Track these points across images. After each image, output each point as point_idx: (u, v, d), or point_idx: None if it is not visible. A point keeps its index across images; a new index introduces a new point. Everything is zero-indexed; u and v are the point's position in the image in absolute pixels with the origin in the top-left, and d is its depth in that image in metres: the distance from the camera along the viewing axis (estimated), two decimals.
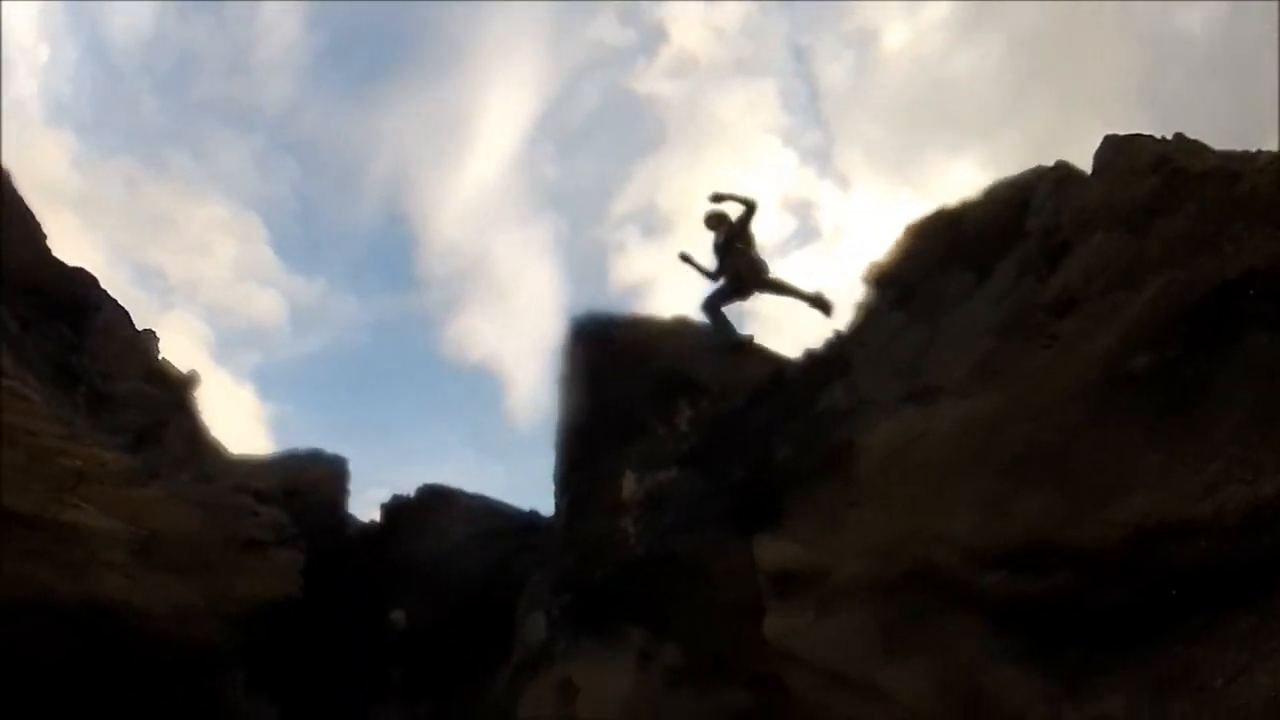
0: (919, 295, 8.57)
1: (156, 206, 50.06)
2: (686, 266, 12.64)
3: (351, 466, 13.82)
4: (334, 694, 11.44)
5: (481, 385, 59.38)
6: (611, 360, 12.17)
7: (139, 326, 13.38)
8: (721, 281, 12.40)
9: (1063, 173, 7.93)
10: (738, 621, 8.68)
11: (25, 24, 45.24)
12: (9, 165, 11.92)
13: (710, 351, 11.86)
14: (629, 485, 10.81)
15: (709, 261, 12.59)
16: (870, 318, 9.29)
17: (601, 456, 11.45)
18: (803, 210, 60.17)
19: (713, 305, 12.29)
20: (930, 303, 8.34)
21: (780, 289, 12.44)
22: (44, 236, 12.02)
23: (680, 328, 12.42)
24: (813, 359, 10.09)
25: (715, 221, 12.50)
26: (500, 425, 55.21)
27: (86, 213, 47.63)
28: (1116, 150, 7.30)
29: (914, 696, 6.77)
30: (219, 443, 13.20)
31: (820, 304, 12.03)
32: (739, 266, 12.20)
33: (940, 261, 8.63)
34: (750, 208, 12.19)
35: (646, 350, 11.59)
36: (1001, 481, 6.62)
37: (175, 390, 13.12)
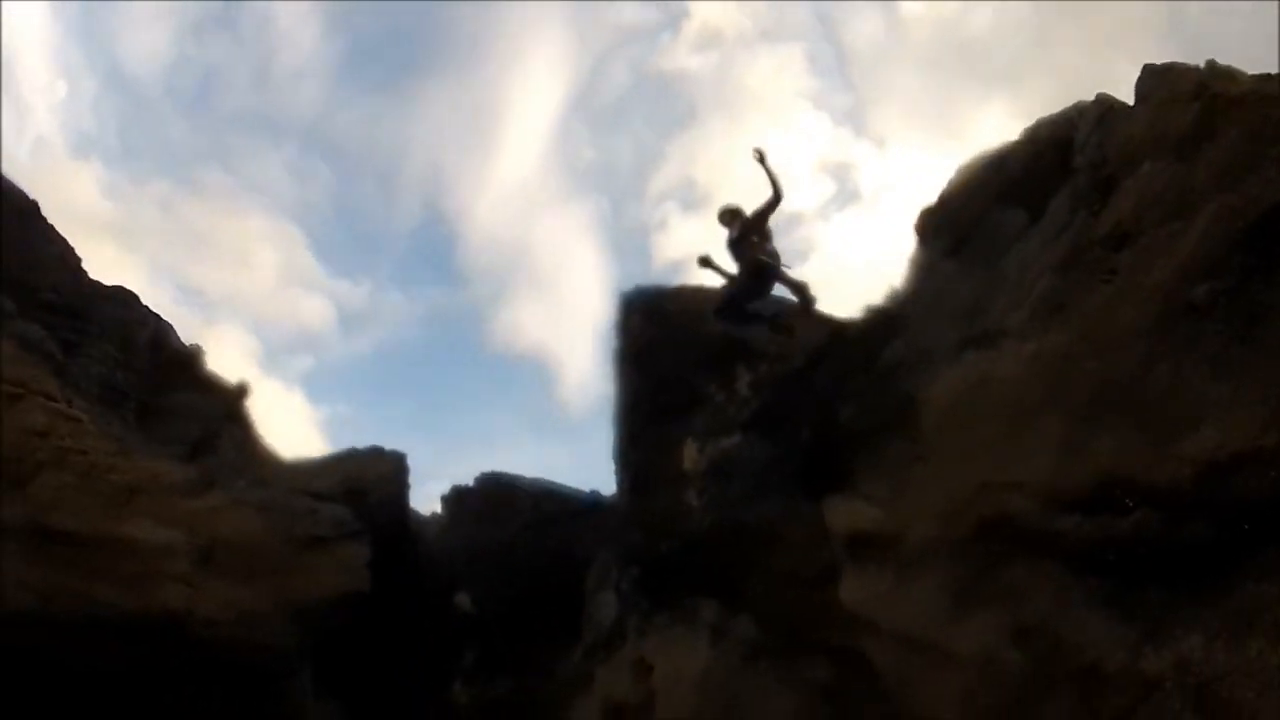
0: (972, 240, 8.37)
1: (193, 225, 50.76)
2: (708, 271, 11.49)
3: (410, 461, 13.45)
4: (402, 686, 11.28)
5: (533, 372, 59.84)
6: (665, 332, 12.05)
7: (185, 343, 13.32)
8: (736, 281, 11.32)
9: (1105, 106, 7.63)
10: (811, 591, 8.48)
11: (39, 62, 45.92)
12: (37, 199, 12.04)
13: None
14: (691, 455, 10.56)
15: (726, 261, 11.48)
16: (925, 268, 9.09)
17: (660, 429, 11.21)
18: (841, 173, 59.29)
19: (729, 310, 11.23)
20: (984, 246, 8.13)
21: (793, 286, 11.32)
22: (79, 260, 12.05)
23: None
24: (871, 315, 9.85)
25: (729, 217, 11.49)
26: (555, 410, 55.52)
27: (123, 239, 48.48)
28: (1157, 79, 7.00)
29: (990, 652, 6.54)
30: (274, 450, 13.12)
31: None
32: (756, 260, 11.12)
33: (990, 204, 8.42)
34: (773, 199, 11.05)
35: (699, 319, 11.25)
36: (1072, 422, 6.41)
37: (226, 400, 13.04)
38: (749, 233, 11.15)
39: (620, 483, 12.24)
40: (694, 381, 11.38)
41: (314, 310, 55.18)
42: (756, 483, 9.72)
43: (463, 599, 12.59)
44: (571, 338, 56.59)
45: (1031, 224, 7.54)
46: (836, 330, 10.52)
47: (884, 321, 9.36)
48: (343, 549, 10.50)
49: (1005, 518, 6.78)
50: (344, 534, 10.77)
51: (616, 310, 13.08)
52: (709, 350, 11.42)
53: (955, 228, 8.72)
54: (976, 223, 8.36)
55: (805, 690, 8.28)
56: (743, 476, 9.91)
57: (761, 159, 10.92)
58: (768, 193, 10.94)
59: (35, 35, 42.93)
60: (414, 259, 60.40)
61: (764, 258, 11.02)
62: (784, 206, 11.14)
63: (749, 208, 11.14)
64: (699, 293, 12.07)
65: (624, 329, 12.91)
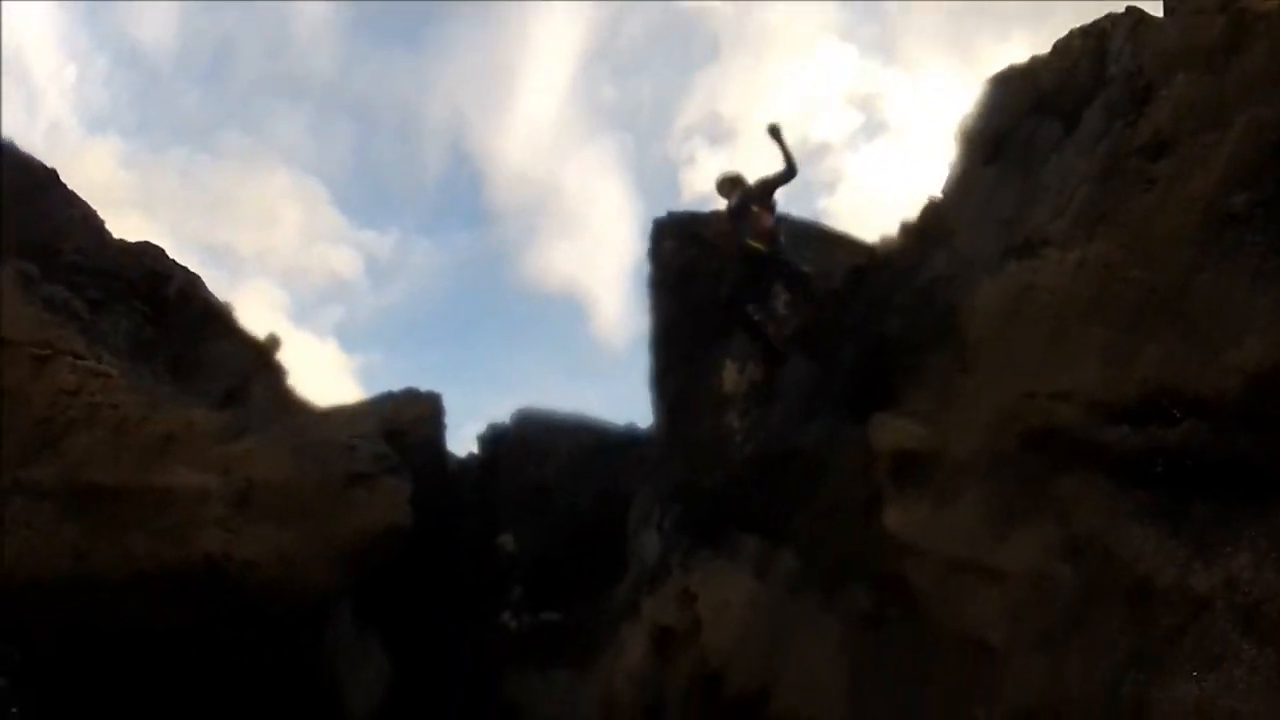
0: (1008, 152, 8.14)
1: (215, 189, 50.87)
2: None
3: (445, 404, 13.34)
4: (445, 623, 11.28)
5: (565, 310, 60.12)
6: (700, 256, 12.01)
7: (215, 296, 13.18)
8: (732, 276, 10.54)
9: (1136, 17, 7.44)
10: (855, 522, 8.28)
11: (45, 51, 45.69)
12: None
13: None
14: (730, 377, 10.45)
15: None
16: (963, 178, 8.80)
17: (697, 354, 11.15)
18: (868, 104, 57.99)
19: (735, 306, 10.43)
20: (1020, 158, 7.91)
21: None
22: (101, 222, 12.00)
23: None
24: (910, 228, 9.60)
25: (728, 187, 10.59)
26: (588, 347, 55.65)
27: (146, 208, 48.73)
28: None
29: (1038, 568, 6.38)
30: (307, 399, 13.07)
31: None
32: (746, 247, 10.11)
33: (1024, 116, 8.15)
34: (785, 174, 10.14)
35: (733, 241, 10.80)
36: (1117, 331, 6.25)
37: (258, 350, 13.03)
38: (750, 202, 10.28)
39: (658, 412, 12.15)
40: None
41: (342, 262, 55.48)
42: (800, 403, 9.59)
43: (506, 540, 12.53)
44: (602, 274, 56.69)
45: (1066, 135, 7.34)
46: (876, 246, 10.33)
47: (923, 235, 9.15)
48: (383, 484, 10.37)
49: (1051, 429, 6.62)
50: (384, 469, 10.66)
51: (650, 237, 13.12)
52: (744, 271, 10.99)
53: (991, 140, 8.47)
54: (1011, 135, 8.14)
55: (847, 619, 8.14)
56: (785, 398, 9.77)
57: (776, 133, 10.16)
58: (779, 166, 10.15)
59: (39, 26, 42.69)
60: (440, 205, 60.49)
61: (753, 243, 10.07)
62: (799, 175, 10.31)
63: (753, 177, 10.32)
64: None
65: (657, 255, 12.94)
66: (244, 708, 8.73)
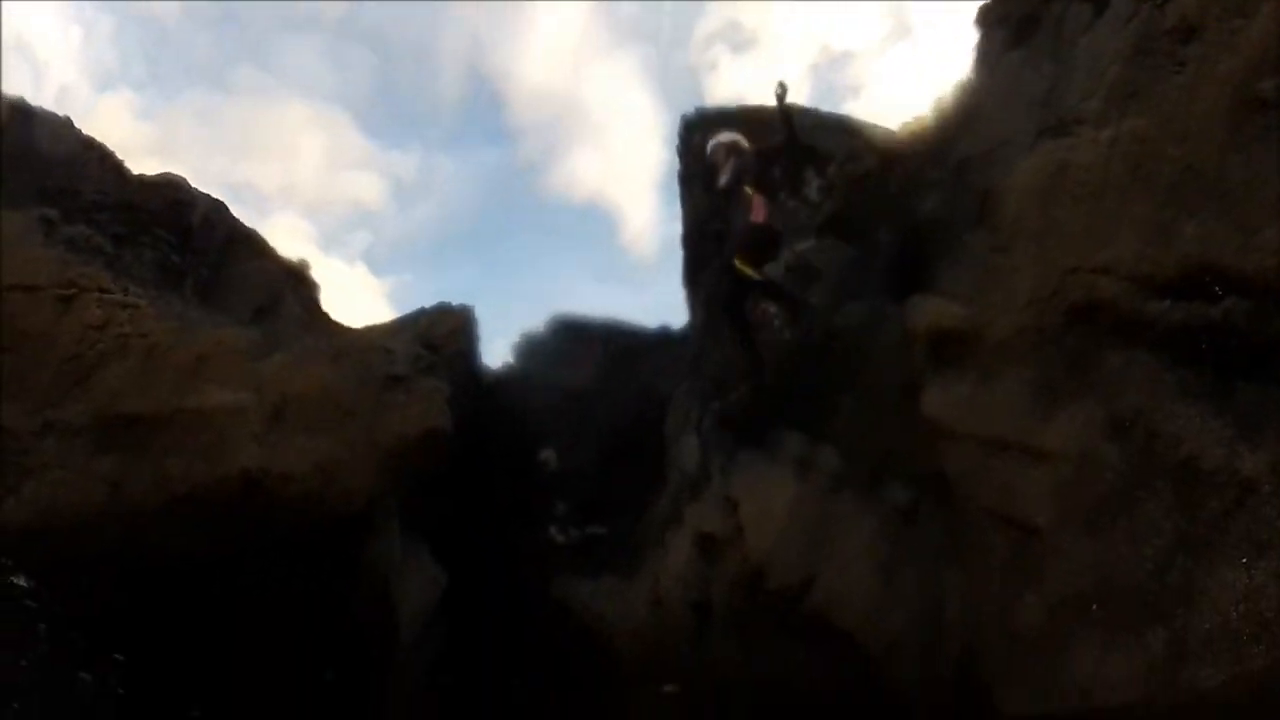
0: (1036, 32, 7.91)
1: (233, 127, 50.29)
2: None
3: (478, 319, 13.12)
4: (490, 540, 11.30)
5: (593, 220, 59.51)
6: None
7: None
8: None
9: None
10: (895, 409, 8.16)
11: (48, 20, 45.03)
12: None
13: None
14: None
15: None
16: (990, 61, 8.59)
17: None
18: (894, 10, 55.53)
19: (730, 306, 9.05)
20: (1049, 39, 7.70)
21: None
22: (120, 161, 11.94)
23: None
24: (941, 110, 9.39)
25: (723, 154, 9.06)
26: (618, 256, 55.43)
27: (165, 155, 48.45)
28: None
29: (1083, 447, 6.24)
30: (339, 319, 12.93)
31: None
32: (742, 227, 8.66)
33: None
34: (788, 146, 8.87)
35: (765, 132, 10.21)
36: (1155, 207, 6.15)
37: (288, 268, 12.93)
38: (744, 179, 8.86)
39: (693, 308, 12.06)
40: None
41: (367, 186, 55.32)
42: (837, 286, 9.45)
43: (548, 455, 12.44)
44: (629, 185, 56.28)
45: (1097, 15, 7.08)
46: (908, 126, 10.07)
47: (955, 116, 8.94)
48: (421, 386, 10.28)
49: (1094, 304, 6.49)
50: (421, 369, 10.60)
51: (678, 134, 12.93)
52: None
53: (1017, 23, 8.22)
54: (1039, 18, 7.90)
55: (889, 515, 8.05)
56: (823, 280, 9.62)
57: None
58: (782, 137, 8.93)
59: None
60: (462, 124, 59.90)
61: (741, 266, 8.52)
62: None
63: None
64: (760, 110, 11.28)
65: (687, 150, 12.72)
66: (296, 627, 8.78)
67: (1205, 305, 5.77)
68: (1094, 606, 5.85)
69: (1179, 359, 5.91)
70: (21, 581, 7.92)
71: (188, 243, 11.77)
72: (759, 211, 8.61)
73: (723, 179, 8.99)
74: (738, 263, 8.54)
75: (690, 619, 9.35)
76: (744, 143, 9.17)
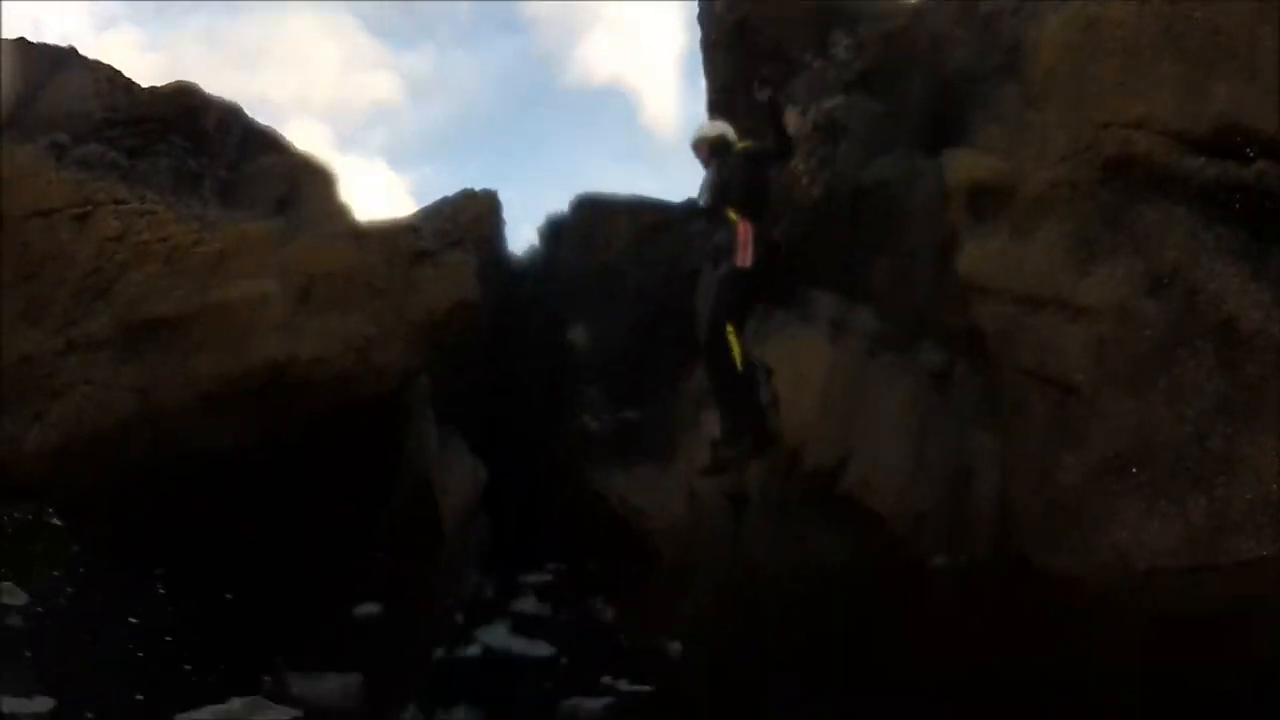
0: None
1: (244, 43, 49.35)
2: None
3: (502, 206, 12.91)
4: (523, 428, 11.29)
5: (614, 104, 58.77)
6: (755, 8, 11.42)
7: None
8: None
9: None
10: (930, 266, 8.00)
11: None
12: None
13: None
14: (793, 119, 9.45)
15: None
16: None
17: (757, 105, 10.22)
18: None
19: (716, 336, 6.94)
20: None
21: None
22: (128, 79, 11.91)
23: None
24: None
25: (704, 150, 7.68)
26: (641, 138, 54.63)
27: (176, 78, 47.40)
28: None
29: (1122, 302, 6.12)
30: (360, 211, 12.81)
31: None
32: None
33: None
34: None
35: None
36: (1187, 66, 6.16)
37: (307, 160, 12.81)
38: (728, 196, 7.23)
39: None
40: (790, 54, 10.73)
41: (381, 88, 54.67)
42: (867, 142, 9.13)
43: (577, 333, 12.26)
44: (649, 66, 54.78)
45: None
46: None
47: None
48: (448, 259, 10.09)
49: (1129, 158, 6.42)
50: (448, 244, 10.46)
51: (698, 2, 12.65)
52: (804, 19, 10.81)
53: None
54: None
55: (919, 379, 7.87)
56: (852, 136, 9.28)
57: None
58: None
59: None
60: (476, 18, 58.27)
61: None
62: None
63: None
64: None
65: (709, 15, 12.44)
66: (338, 521, 8.85)
67: (1238, 166, 5.75)
68: (1134, 469, 5.70)
69: (1215, 217, 5.82)
70: (52, 512, 8.01)
71: (203, 146, 11.73)
72: (745, 251, 6.98)
73: (701, 199, 7.56)
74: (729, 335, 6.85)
75: (725, 509, 9.20)
76: (730, 135, 7.73)
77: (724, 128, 7.89)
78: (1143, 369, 5.82)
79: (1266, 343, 5.23)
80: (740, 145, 7.57)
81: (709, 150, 7.63)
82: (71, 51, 11.82)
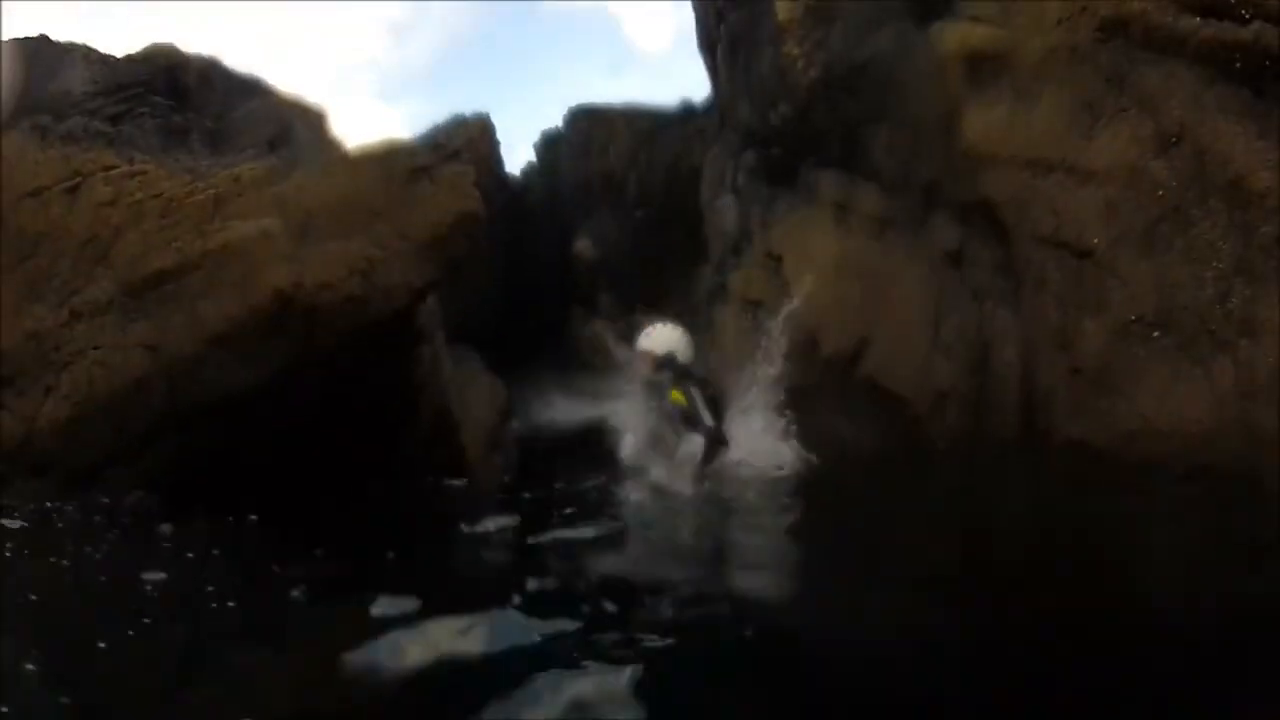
0: None
1: (208, 17, 48.29)
2: None
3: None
4: (539, 344, 11.22)
5: (598, 22, 58.26)
6: None
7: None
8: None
9: None
10: (934, 140, 7.72)
11: None
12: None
13: None
14: (784, 6, 9.44)
15: None
16: None
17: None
18: None
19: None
20: None
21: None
22: (103, 53, 11.75)
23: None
24: None
25: (650, 362, 7.07)
26: (628, 52, 54.25)
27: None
28: None
29: (1131, 163, 5.97)
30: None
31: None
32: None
33: None
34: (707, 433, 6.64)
35: None
36: None
37: (293, 102, 12.65)
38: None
39: (712, 68, 11.37)
40: None
41: (361, 33, 53.52)
42: (860, 20, 8.84)
43: (583, 245, 12.11)
44: None
45: None
46: None
47: None
48: (446, 173, 9.97)
49: (1124, 19, 6.30)
50: (445, 157, 10.30)
51: None
52: None
53: None
54: None
55: (933, 259, 7.71)
56: (844, 17, 9.02)
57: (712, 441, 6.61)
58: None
59: None
60: None
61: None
62: None
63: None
64: None
65: None
66: (360, 446, 8.86)
67: (1235, 26, 5.64)
68: (1156, 334, 5.63)
69: (1217, 77, 5.71)
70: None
71: (187, 101, 11.59)
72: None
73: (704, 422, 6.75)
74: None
75: None
76: (679, 351, 7.14)
77: (675, 342, 7.19)
78: (1157, 231, 5.71)
79: (1277, 202, 5.13)
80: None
81: (655, 364, 7.04)
82: (42, 39, 11.60)
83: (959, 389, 7.26)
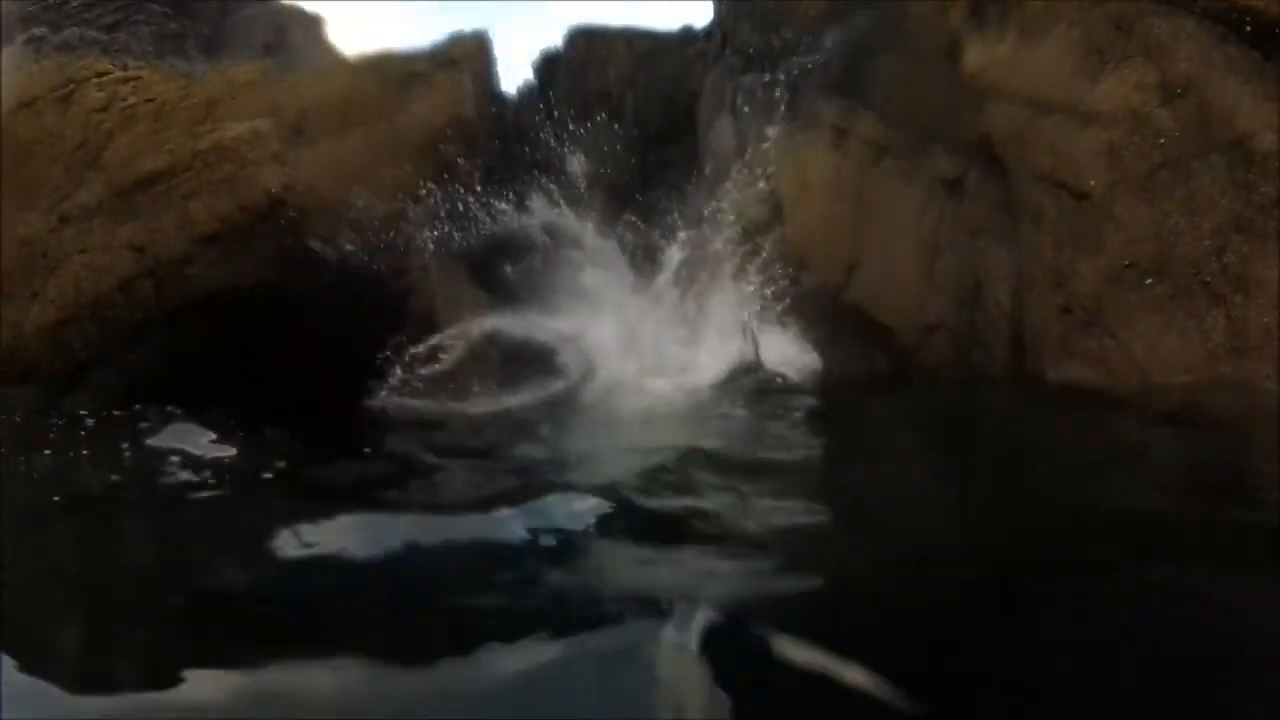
0: None
1: None
2: None
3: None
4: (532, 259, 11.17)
5: None
6: None
7: None
8: None
9: None
10: (937, 71, 7.75)
11: None
12: None
13: None
14: None
15: None
16: None
17: None
18: None
19: None
20: None
21: None
22: None
23: None
24: None
25: None
26: None
27: None
28: None
29: (1135, 109, 6.03)
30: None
31: None
32: None
33: None
34: None
35: None
36: None
37: (290, 8, 12.44)
38: None
39: None
40: None
41: None
42: None
43: (579, 162, 12.00)
44: None
45: None
46: None
47: None
48: (441, 78, 9.97)
49: None
50: (439, 65, 10.20)
51: None
52: None
53: None
54: None
55: (930, 187, 7.68)
56: None
57: None
58: None
59: None
60: None
61: None
62: None
63: None
64: None
65: None
66: (345, 350, 8.87)
67: None
68: (1149, 280, 5.71)
69: (1227, 37, 5.74)
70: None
71: (183, 8, 11.39)
72: None
73: None
74: None
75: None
76: None
77: None
78: (1157, 178, 5.76)
79: (1279, 166, 5.23)
80: None
81: None
82: None
83: (949, 323, 7.29)
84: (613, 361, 7.58)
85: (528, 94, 13.30)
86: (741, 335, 7.34)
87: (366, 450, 6.38)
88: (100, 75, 9.36)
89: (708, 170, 10.42)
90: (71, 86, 9.25)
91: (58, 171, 8.92)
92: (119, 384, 8.10)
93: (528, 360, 8.81)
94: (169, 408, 6.92)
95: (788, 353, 7.38)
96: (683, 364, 7.69)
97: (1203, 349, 5.37)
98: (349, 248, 8.84)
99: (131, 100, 9.18)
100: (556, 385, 8.06)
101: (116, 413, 7.03)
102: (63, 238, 8.61)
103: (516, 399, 8.08)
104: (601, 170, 11.17)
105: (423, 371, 8.62)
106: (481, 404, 8.11)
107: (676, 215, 9.73)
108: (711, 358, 7.73)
